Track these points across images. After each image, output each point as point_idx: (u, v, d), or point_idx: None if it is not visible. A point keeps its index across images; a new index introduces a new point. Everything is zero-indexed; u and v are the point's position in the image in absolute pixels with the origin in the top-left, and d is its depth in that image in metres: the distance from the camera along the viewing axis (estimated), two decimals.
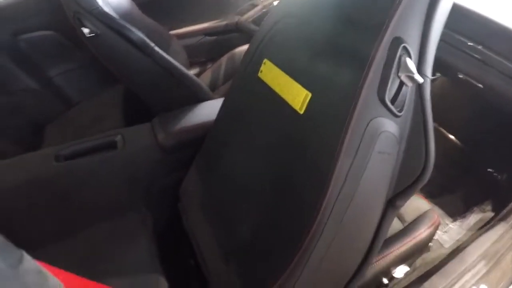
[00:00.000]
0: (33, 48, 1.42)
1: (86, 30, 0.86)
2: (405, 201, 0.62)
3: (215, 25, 1.68)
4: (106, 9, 0.93)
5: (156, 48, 0.99)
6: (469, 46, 1.05)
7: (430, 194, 1.35)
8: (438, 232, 1.25)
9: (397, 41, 0.51)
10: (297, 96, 0.66)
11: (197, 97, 1.15)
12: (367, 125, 0.53)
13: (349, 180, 0.55)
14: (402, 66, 0.51)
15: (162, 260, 0.92)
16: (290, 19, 0.71)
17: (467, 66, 1.09)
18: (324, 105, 0.60)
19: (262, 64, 0.76)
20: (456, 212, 1.32)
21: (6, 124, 1.37)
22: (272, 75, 0.74)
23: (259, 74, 0.77)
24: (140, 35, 0.95)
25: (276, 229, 0.68)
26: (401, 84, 0.53)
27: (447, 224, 1.29)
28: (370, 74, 0.52)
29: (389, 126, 0.55)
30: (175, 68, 1.06)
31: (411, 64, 0.51)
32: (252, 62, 0.80)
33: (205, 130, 0.97)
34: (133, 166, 1.02)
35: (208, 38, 1.67)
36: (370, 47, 0.52)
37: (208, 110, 1.08)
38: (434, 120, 0.59)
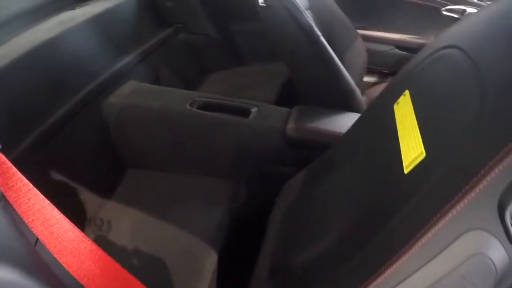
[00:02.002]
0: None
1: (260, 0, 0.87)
2: None
3: (409, 39, 1.48)
4: None
5: (321, 38, 0.94)
6: None
7: None
8: None
9: None
10: (411, 150, 0.50)
11: (346, 103, 1.05)
12: (463, 233, 0.37)
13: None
14: None
15: (228, 240, 0.92)
16: (454, 51, 0.52)
17: None
18: (429, 177, 0.44)
19: (402, 95, 0.61)
20: None
21: (177, 57, 1.49)
22: (404, 111, 0.59)
23: (395, 105, 0.63)
24: (310, 21, 0.91)
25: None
26: None
27: None
28: (501, 166, 0.34)
29: (493, 252, 0.36)
30: (335, 65, 0.98)
31: None
32: (395, 88, 0.65)
33: (334, 140, 0.88)
34: (252, 140, 1.04)
35: (397, 50, 1.50)
36: None
37: (349, 121, 0.99)
38: None
